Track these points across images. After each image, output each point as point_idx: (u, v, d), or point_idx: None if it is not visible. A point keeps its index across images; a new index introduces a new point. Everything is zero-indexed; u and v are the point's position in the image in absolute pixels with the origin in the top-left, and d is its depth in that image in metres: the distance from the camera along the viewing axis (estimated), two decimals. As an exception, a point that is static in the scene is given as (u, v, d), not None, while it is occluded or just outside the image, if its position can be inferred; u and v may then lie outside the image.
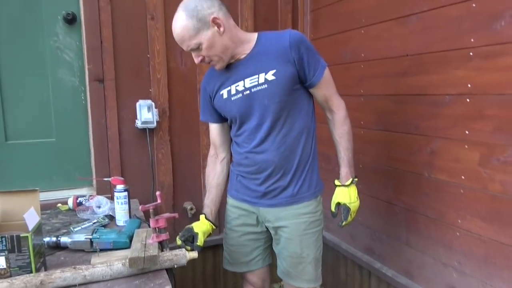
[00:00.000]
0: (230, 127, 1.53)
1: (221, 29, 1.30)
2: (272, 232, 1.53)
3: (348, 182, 1.43)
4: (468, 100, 1.40)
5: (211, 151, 1.60)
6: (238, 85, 1.39)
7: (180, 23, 1.28)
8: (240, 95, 1.38)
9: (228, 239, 1.59)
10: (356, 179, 1.45)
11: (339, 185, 1.45)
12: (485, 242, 1.39)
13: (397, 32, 1.69)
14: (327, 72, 1.40)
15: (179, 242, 1.38)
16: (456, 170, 1.47)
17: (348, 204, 1.42)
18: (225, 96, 1.42)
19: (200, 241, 1.36)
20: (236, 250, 1.57)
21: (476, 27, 1.36)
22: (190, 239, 1.37)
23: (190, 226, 1.41)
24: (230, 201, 1.58)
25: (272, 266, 1.66)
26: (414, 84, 1.62)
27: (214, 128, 1.56)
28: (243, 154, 1.45)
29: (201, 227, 1.42)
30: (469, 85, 1.39)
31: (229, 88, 1.41)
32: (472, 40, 1.37)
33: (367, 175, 1.95)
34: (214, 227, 1.47)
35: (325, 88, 1.41)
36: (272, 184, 1.43)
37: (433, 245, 1.60)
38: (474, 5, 1.36)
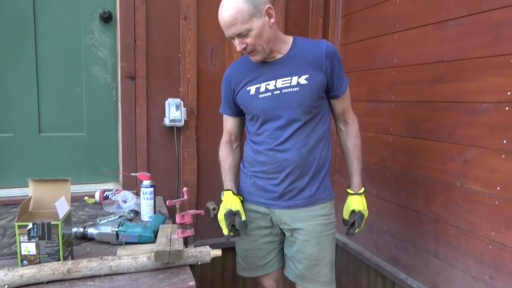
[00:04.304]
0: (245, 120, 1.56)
1: (271, 20, 1.33)
2: (287, 234, 1.51)
3: (362, 191, 1.50)
4: (507, 108, 1.35)
5: (225, 138, 1.61)
6: (269, 84, 1.40)
7: (236, 5, 1.27)
8: (269, 94, 1.39)
9: (242, 244, 1.58)
10: (365, 189, 1.51)
11: (353, 193, 1.51)
12: (520, 257, 1.33)
13: (433, 38, 1.65)
14: (348, 88, 1.49)
15: (227, 232, 1.37)
16: (491, 181, 1.41)
17: (363, 211, 1.47)
18: (252, 92, 1.43)
19: (244, 216, 1.38)
20: (252, 254, 1.56)
21: (518, 33, 1.31)
22: (233, 221, 1.37)
23: (226, 210, 1.39)
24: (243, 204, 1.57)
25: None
26: (449, 90, 1.58)
27: (231, 120, 1.59)
28: (262, 152, 1.45)
29: (236, 203, 1.42)
30: (509, 93, 1.34)
31: (258, 85, 1.42)
32: (513, 46, 1.32)
33: (394, 182, 1.90)
34: (242, 198, 1.49)
35: (346, 101, 1.49)
36: (290, 184, 1.43)
37: (463, 257, 1.54)
38: (516, 10, 1.31)
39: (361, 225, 1.47)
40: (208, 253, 1.24)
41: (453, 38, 1.56)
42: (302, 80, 1.37)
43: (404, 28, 1.81)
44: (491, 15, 1.40)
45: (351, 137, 1.51)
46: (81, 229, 1.39)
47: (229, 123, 1.60)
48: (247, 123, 1.53)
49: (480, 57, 1.44)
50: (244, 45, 1.33)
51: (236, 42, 1.33)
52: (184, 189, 1.37)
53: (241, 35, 1.31)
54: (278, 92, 1.38)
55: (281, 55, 1.41)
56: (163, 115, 2.08)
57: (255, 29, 1.29)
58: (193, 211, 1.33)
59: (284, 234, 1.53)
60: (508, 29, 1.34)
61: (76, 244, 1.33)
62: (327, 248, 1.47)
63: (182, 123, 2.07)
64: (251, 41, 1.31)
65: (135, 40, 2.00)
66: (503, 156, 1.37)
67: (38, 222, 1.12)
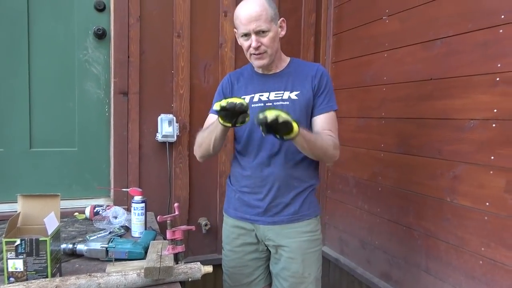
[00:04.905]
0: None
1: (282, 33, 1.44)
2: (272, 251, 1.51)
3: (295, 125, 1.18)
4: (494, 125, 1.37)
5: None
6: (262, 95, 1.46)
7: (262, 4, 1.36)
8: (262, 104, 1.44)
9: (228, 261, 1.57)
10: (295, 133, 1.18)
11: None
12: (511, 271, 1.33)
13: (421, 56, 1.69)
14: (334, 114, 1.45)
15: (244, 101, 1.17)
16: (480, 196, 1.43)
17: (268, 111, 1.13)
18: (246, 101, 1.44)
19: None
20: (238, 271, 1.55)
21: (503, 52, 1.35)
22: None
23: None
24: (229, 220, 1.57)
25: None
26: (438, 108, 1.61)
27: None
28: (248, 165, 1.47)
29: None
30: (495, 110, 1.37)
31: (253, 95, 1.47)
32: (499, 65, 1.36)
33: (386, 198, 1.91)
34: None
35: (327, 123, 1.42)
36: (274, 199, 1.44)
37: (454, 273, 1.54)
38: (501, 30, 1.35)
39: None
40: (199, 269, 1.23)
41: (441, 57, 1.60)
42: (293, 95, 1.43)
43: (393, 47, 1.85)
44: (477, 35, 1.44)
45: (327, 138, 1.38)
46: (70, 245, 1.37)
47: (212, 121, 1.46)
48: (236, 135, 1.55)
49: (467, 76, 1.48)
50: (259, 44, 1.38)
51: (253, 38, 1.37)
52: (175, 204, 1.37)
53: (260, 33, 1.36)
54: (270, 104, 1.44)
55: (278, 70, 1.49)
56: (155, 130, 2.08)
57: (273, 32, 1.38)
58: (184, 227, 1.32)
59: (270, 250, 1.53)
60: (493, 48, 1.38)
61: (64, 260, 1.31)
62: (312, 266, 1.47)
63: (175, 138, 2.08)
64: (267, 41, 1.37)
65: (128, 57, 2.02)
66: (491, 172, 1.39)
67: (26, 238, 1.11)
